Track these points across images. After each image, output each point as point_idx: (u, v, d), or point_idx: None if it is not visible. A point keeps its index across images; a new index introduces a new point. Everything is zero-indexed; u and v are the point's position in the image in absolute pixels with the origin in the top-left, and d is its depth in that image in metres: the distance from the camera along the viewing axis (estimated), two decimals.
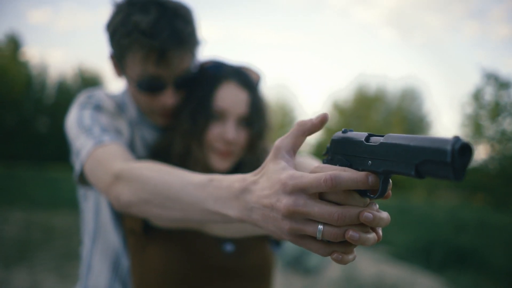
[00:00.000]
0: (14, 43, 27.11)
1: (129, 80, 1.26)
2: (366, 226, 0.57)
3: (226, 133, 1.20)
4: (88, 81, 27.77)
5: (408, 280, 5.88)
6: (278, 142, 0.63)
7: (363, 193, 0.59)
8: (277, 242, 1.31)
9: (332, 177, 0.55)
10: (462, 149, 0.47)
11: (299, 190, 0.57)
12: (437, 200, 18.38)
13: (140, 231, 1.15)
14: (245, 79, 1.27)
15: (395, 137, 0.55)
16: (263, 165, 0.64)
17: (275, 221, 0.60)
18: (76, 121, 1.21)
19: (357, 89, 27.12)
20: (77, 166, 1.17)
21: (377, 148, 0.56)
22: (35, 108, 27.12)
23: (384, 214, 0.57)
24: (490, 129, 16.54)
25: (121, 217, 1.31)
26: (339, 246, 0.58)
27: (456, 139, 0.47)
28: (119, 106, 1.33)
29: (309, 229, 0.57)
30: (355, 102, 26.90)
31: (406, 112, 26.05)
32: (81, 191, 1.42)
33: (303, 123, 0.62)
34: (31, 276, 4.88)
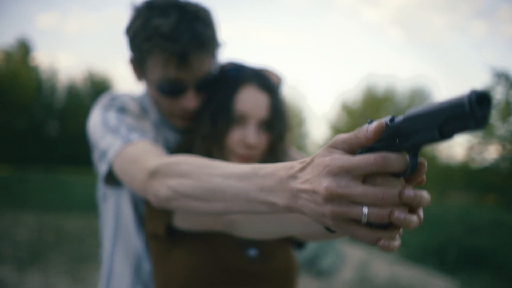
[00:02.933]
0: (24, 48, 27.35)
1: (150, 83, 1.26)
2: (406, 208, 0.57)
3: (247, 137, 1.19)
4: (98, 85, 27.92)
5: (422, 281, 5.83)
6: (338, 137, 0.61)
7: (396, 175, 0.59)
8: (299, 244, 1.29)
9: (382, 157, 0.55)
10: (479, 98, 0.49)
11: (344, 172, 0.56)
12: (448, 200, 18.23)
13: (164, 235, 1.14)
14: (266, 82, 1.26)
15: (414, 109, 0.56)
16: (314, 155, 0.63)
17: (317, 206, 0.59)
18: (101, 122, 1.21)
19: (365, 90, 27.00)
20: (103, 166, 1.16)
21: (401, 124, 0.57)
22: (46, 112, 27.35)
23: (424, 193, 0.57)
24: (501, 129, 16.36)
25: (143, 220, 1.31)
26: (384, 232, 0.58)
27: (472, 91, 0.49)
28: (142, 108, 1.33)
29: (353, 211, 0.56)
30: (363, 103, 26.77)
31: None
32: (101, 193, 1.41)
33: (358, 136, 0.59)
34: (45, 279, 4.91)
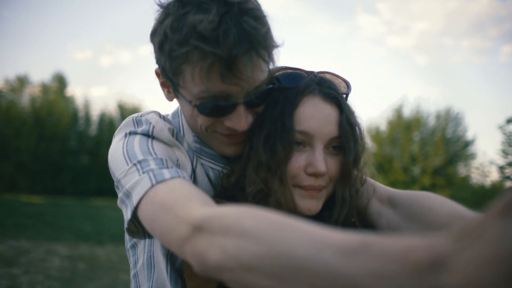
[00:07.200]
0: (60, 81, 28.72)
1: (186, 101, 0.98)
2: None
3: (314, 163, 0.94)
4: (128, 113, 28.77)
5: None
6: None
7: None
8: None
9: None
10: None
11: None
12: None
13: None
14: (332, 90, 1.00)
15: None
16: (470, 223, 0.38)
17: None
18: (122, 153, 0.94)
19: (392, 115, 26.81)
20: (128, 212, 0.88)
21: None
22: (80, 142, 28.18)
23: None
24: None
25: (182, 274, 1.06)
26: None
27: None
28: (175, 131, 1.06)
29: None
30: (390, 128, 26.50)
31: (444, 134, 25.56)
32: (128, 240, 1.16)
33: None
34: None
